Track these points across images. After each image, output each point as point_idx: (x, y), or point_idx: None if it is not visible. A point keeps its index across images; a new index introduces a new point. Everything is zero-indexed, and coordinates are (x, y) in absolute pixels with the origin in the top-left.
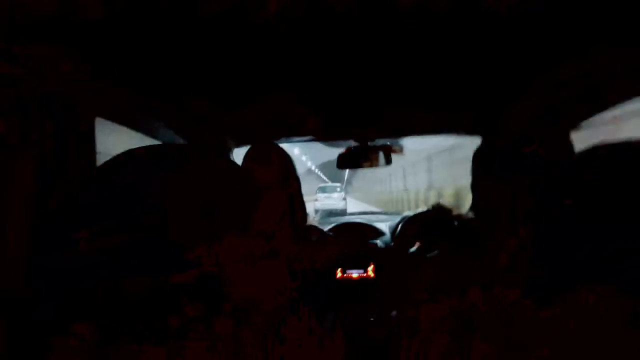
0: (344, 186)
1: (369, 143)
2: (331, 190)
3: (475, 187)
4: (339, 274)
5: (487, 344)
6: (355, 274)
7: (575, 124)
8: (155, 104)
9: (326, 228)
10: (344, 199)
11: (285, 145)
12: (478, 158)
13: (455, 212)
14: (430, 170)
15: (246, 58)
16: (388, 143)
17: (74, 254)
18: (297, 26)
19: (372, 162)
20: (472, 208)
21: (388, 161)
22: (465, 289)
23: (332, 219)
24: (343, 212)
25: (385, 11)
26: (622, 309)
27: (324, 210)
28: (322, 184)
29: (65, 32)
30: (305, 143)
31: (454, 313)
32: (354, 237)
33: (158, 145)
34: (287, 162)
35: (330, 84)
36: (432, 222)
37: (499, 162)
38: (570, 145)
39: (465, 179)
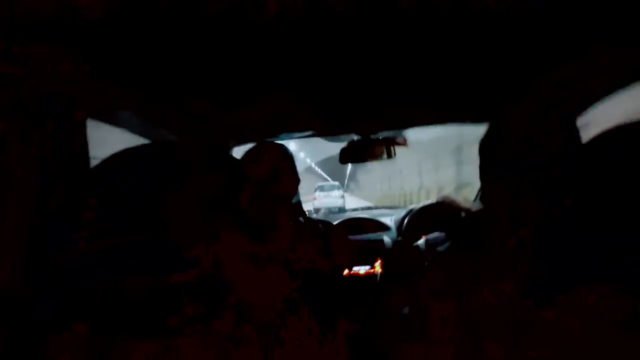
0: (346, 183)
1: (371, 136)
2: (330, 189)
3: (483, 177)
4: (345, 271)
5: (491, 344)
6: (362, 270)
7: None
8: (154, 104)
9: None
10: (342, 196)
11: (282, 142)
12: (484, 148)
13: (462, 205)
14: (447, 166)
15: (246, 58)
16: (391, 135)
17: (74, 254)
18: (297, 26)
19: (376, 156)
20: (480, 198)
21: (391, 154)
22: (469, 289)
23: (332, 216)
24: (342, 210)
25: (385, 12)
26: (622, 309)
27: (323, 209)
28: (321, 183)
29: (65, 32)
30: (303, 139)
31: (459, 314)
32: (360, 233)
33: (153, 144)
34: (280, 160)
35: (330, 84)
36: (439, 215)
37: (499, 162)
38: (571, 137)
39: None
